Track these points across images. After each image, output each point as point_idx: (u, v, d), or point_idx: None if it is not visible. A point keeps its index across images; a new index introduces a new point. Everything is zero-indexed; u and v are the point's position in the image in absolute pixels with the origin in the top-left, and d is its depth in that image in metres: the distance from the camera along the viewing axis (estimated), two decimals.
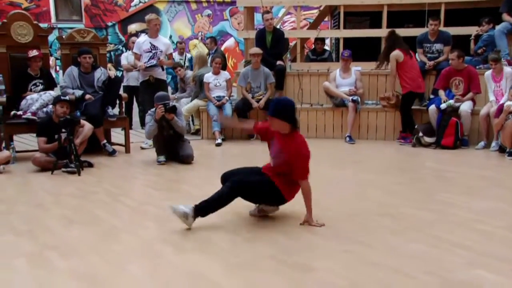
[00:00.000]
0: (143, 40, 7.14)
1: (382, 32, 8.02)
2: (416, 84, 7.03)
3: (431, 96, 7.30)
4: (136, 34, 14.39)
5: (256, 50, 7.54)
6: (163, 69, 7.25)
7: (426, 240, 3.21)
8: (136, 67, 7.36)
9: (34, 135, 5.73)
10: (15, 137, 6.39)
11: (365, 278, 2.65)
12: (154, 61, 6.97)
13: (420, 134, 6.81)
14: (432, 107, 6.85)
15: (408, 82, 7.01)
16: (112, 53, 15.65)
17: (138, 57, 7.10)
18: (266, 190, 3.48)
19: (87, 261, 2.91)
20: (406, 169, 5.70)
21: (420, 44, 7.60)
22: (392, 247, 3.11)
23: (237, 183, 3.39)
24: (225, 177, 3.57)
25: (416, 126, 6.97)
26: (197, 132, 8.18)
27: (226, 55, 12.74)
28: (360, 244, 3.14)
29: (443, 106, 6.69)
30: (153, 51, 7.01)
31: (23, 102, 6.03)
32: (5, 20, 6.31)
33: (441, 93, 6.92)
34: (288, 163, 3.41)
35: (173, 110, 5.59)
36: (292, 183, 3.51)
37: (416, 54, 7.71)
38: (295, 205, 3.66)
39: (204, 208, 3.39)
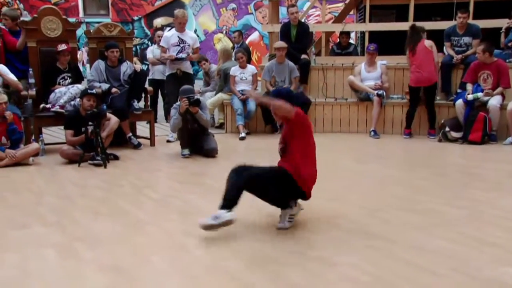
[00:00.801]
0: (170, 34, 7.21)
1: (408, 26, 7.89)
2: (414, 78, 7.02)
3: (459, 91, 7.17)
4: (162, 28, 14.50)
5: (281, 44, 7.52)
6: (192, 64, 7.31)
7: (452, 237, 3.17)
8: (162, 59, 7.45)
9: (62, 127, 5.84)
10: (44, 130, 6.52)
11: (388, 274, 2.63)
12: (182, 55, 7.03)
13: (447, 129, 6.70)
14: (459, 101, 6.72)
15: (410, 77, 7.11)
16: (137, 47, 15.82)
17: (164, 50, 7.17)
18: (281, 180, 3.28)
19: (112, 253, 2.97)
20: (432, 164, 5.61)
21: (448, 37, 7.45)
22: (417, 243, 3.07)
23: (248, 176, 3.21)
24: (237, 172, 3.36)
25: (443, 121, 6.87)
26: (221, 126, 8.22)
27: (251, 49, 12.74)
28: (384, 240, 3.12)
29: (470, 97, 6.55)
30: (181, 45, 7.07)
31: (52, 95, 6.15)
32: (35, 15, 6.44)
33: (469, 86, 6.79)
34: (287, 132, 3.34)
35: (197, 103, 5.63)
36: (306, 167, 3.31)
37: (444, 48, 7.59)
38: (316, 200, 3.63)
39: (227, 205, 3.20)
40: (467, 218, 3.58)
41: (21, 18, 6.93)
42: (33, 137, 6.02)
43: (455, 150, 6.30)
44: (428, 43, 6.97)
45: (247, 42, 15.03)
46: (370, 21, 8.63)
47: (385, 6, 9.09)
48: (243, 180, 3.19)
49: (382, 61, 7.63)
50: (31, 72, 6.13)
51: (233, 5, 16.72)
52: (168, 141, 6.86)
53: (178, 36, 7.08)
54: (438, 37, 7.40)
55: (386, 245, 3.04)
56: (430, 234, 3.24)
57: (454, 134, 6.67)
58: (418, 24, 7.22)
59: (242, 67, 7.67)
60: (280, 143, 3.46)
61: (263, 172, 3.30)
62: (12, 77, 5.96)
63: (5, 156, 5.29)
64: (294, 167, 3.28)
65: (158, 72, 8.59)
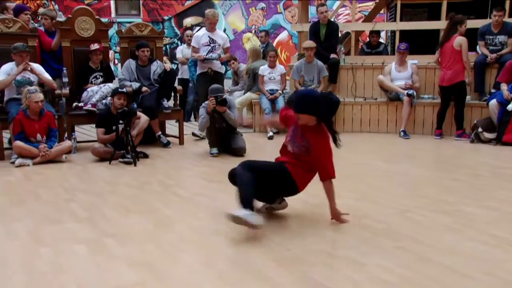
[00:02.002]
0: (201, 34, 7.26)
1: (440, 24, 7.76)
2: (439, 77, 6.96)
3: (492, 90, 7.00)
4: (191, 28, 14.63)
5: (310, 43, 7.48)
6: (221, 63, 7.36)
7: (483, 239, 3.11)
8: (193, 59, 7.54)
9: (94, 126, 5.96)
10: (76, 128, 6.66)
11: (417, 275, 2.60)
12: (213, 55, 7.08)
13: (480, 129, 6.56)
14: (493, 101, 6.56)
15: None
16: (167, 46, 15.98)
17: (196, 50, 7.21)
18: (278, 175, 3.36)
19: (142, 249, 3.01)
20: (464, 165, 5.49)
21: (482, 36, 7.29)
22: (447, 245, 3.02)
23: (247, 163, 3.35)
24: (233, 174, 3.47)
25: (475, 121, 6.73)
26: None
27: (279, 49, 12.74)
28: (413, 241, 3.08)
29: (509, 107, 6.37)
30: (212, 45, 7.12)
31: (84, 94, 6.28)
32: (70, 16, 6.59)
33: (503, 87, 6.62)
34: (312, 157, 3.32)
35: (224, 103, 5.64)
36: (307, 171, 3.39)
37: (478, 47, 7.42)
38: (345, 200, 3.61)
39: (247, 202, 3.16)
40: (499, 220, 3.50)
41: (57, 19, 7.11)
42: (66, 135, 6.17)
43: (488, 151, 6.16)
44: (457, 41, 6.71)
45: (276, 41, 15.08)
46: (401, 20, 8.52)
47: (417, 4, 8.97)
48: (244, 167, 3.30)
49: (412, 61, 7.52)
50: (65, 71, 6.28)
51: (262, 5, 16.72)
52: (193, 133, 6.98)
53: (208, 36, 7.13)
54: (471, 35, 7.23)
55: (415, 246, 3.00)
56: (461, 235, 3.18)
57: (487, 135, 6.52)
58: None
59: (272, 66, 7.67)
60: (301, 142, 3.36)
61: (269, 169, 3.40)
62: (47, 76, 6.10)
63: (39, 153, 5.43)
64: (301, 169, 3.36)
65: (187, 72, 8.66)
